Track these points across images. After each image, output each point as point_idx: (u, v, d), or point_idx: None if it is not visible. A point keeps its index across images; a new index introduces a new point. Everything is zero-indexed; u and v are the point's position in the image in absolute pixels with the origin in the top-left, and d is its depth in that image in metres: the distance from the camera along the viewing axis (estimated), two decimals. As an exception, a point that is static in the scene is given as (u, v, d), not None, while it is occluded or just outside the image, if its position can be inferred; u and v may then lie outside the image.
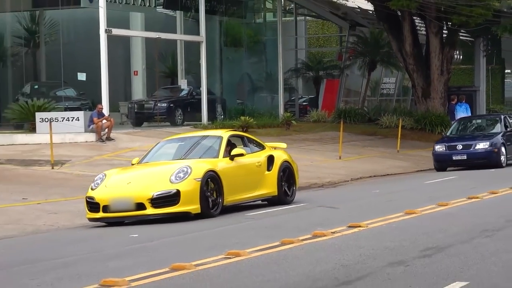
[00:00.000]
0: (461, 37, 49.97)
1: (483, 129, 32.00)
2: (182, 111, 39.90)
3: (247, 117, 39.29)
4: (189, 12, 43.21)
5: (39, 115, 34.55)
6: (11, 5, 41.76)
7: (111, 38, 36.40)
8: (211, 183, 18.15)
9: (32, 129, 34.52)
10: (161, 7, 42.24)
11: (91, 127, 34.02)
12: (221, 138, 19.81)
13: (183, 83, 42.66)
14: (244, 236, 14.89)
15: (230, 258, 12.43)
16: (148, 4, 40.91)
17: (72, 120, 34.46)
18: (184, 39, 43.50)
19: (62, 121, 34.06)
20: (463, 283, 10.02)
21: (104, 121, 33.95)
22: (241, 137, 21.12)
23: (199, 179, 17.74)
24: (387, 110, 47.66)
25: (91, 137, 33.66)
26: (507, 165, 28.96)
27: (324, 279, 10.59)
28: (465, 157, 29.64)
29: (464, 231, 14.74)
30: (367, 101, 52.07)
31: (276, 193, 19.89)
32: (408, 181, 27.85)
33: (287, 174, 20.31)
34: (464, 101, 42.39)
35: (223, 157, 18.99)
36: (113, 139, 33.71)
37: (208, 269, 11.64)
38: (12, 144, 33.61)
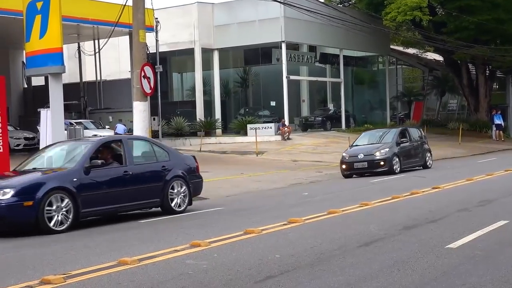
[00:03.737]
0: (497, 75, 47.92)
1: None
2: (330, 122, 39.61)
3: (368, 125, 38.75)
4: (333, 65, 42.93)
5: (249, 126, 35.08)
6: (232, 64, 42.53)
7: (289, 81, 36.64)
8: None
9: (245, 134, 35.03)
10: (318, 62, 42.09)
11: (278, 132, 34.29)
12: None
13: (330, 106, 42.42)
14: (369, 194, 14.67)
15: (362, 206, 12.29)
16: (310, 61, 40.93)
17: (267, 129, 34.85)
18: (331, 80, 43.26)
19: (262, 129, 34.44)
20: (505, 221, 9.61)
21: (286, 128, 34.15)
22: None
23: None
24: (452, 119, 46.19)
25: (278, 138, 33.92)
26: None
27: (418, 218, 10.35)
28: None
29: (506, 190, 14.13)
30: (440, 114, 50.86)
31: None
32: (466, 161, 26.88)
33: None
34: (499, 113, 40.77)
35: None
36: (291, 139, 33.86)
37: (349, 213, 11.53)
38: (233, 142, 34.27)
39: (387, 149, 20.97)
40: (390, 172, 20.39)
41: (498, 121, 39.84)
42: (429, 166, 22.56)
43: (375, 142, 22.03)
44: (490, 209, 11.14)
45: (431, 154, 23.19)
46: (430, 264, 6.95)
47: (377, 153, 20.90)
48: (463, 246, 7.86)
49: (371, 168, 20.66)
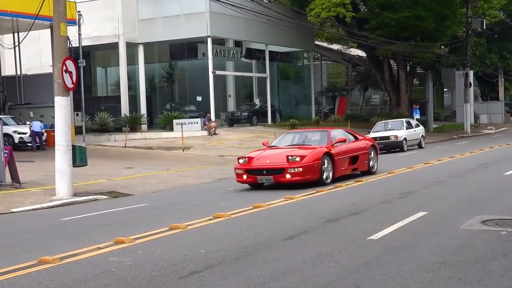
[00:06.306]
0: (417, 70, 49.29)
1: None
2: (256, 117, 39.86)
3: (294, 120, 39.14)
4: (259, 60, 43.13)
5: (175, 121, 34.83)
6: (158, 59, 42.14)
7: (215, 76, 36.57)
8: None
9: (171, 129, 34.78)
10: (244, 57, 42.19)
11: (204, 127, 34.21)
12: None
13: (256, 101, 42.64)
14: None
15: (287, 200, 12.30)
16: (236, 56, 40.96)
17: (193, 124, 34.73)
18: (257, 75, 43.48)
19: (188, 124, 34.32)
20: (424, 213, 9.87)
21: (212, 123, 34.10)
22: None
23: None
24: (374, 114, 47.15)
25: (205, 133, 33.87)
26: None
27: (341, 211, 10.47)
28: None
29: (424, 182, 14.54)
30: (363, 109, 51.90)
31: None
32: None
33: None
34: (418, 107, 41.98)
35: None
36: (217, 134, 33.85)
37: (275, 207, 11.55)
38: (159, 138, 33.98)
39: None
40: None
41: (416, 115, 41.03)
42: None
43: None
44: (410, 201, 11.43)
45: None
46: (353, 256, 7.07)
47: None
48: (384, 237, 8.04)
49: None
